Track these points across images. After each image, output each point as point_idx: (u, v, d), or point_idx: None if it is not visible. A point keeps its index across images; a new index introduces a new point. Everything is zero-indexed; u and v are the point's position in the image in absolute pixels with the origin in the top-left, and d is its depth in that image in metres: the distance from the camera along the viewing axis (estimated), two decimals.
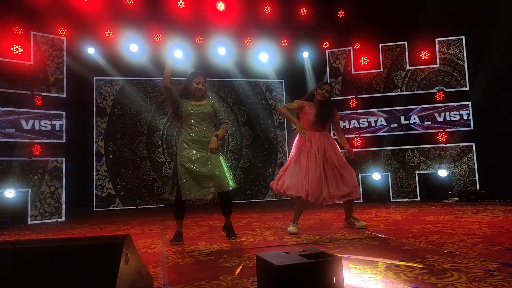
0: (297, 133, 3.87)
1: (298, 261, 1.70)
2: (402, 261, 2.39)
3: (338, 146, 3.95)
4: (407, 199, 6.74)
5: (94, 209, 7.16)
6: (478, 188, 6.48)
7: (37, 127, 5.90)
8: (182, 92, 3.61)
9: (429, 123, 6.85)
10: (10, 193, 5.46)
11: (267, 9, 7.28)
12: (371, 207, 5.85)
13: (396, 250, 2.74)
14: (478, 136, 6.61)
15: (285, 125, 8.32)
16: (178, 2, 6.94)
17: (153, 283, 2.00)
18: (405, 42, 7.01)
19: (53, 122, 6.04)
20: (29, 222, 5.61)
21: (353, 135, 7.08)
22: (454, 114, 6.76)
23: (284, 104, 3.98)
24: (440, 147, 6.77)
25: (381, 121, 7.05)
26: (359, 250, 2.82)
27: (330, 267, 1.71)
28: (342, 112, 7.08)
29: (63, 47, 6.26)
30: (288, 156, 4.05)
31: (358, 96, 7.13)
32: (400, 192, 6.83)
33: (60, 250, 1.54)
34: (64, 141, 6.14)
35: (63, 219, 5.92)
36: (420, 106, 6.89)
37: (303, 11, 7.43)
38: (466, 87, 6.76)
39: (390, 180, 6.86)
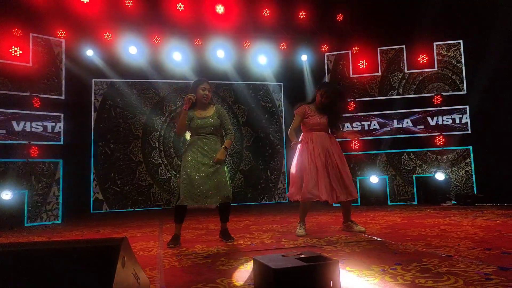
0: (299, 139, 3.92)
1: (295, 264, 1.70)
2: (399, 264, 2.39)
3: (339, 146, 3.95)
4: (405, 203, 6.74)
5: (91, 211, 7.14)
6: (475, 192, 6.50)
7: (34, 129, 5.89)
8: None
9: (426, 127, 6.86)
10: (6, 195, 5.44)
11: (266, 12, 7.30)
12: (369, 211, 5.85)
13: (393, 254, 2.74)
14: (476, 140, 6.63)
15: (283, 130, 8.33)
16: (178, 5, 6.96)
17: (150, 286, 1.99)
18: (403, 46, 7.04)
19: (51, 124, 6.03)
20: (26, 224, 5.59)
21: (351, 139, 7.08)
22: (452, 117, 6.78)
23: (291, 125, 4.00)
24: (437, 150, 6.78)
25: (378, 125, 7.06)
26: (356, 253, 2.83)
27: (327, 271, 1.71)
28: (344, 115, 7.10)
29: (62, 49, 6.25)
30: (293, 161, 4.03)
31: (357, 100, 7.14)
32: (397, 196, 6.83)
33: (57, 253, 1.54)
34: (61, 143, 6.12)
35: (60, 221, 5.90)
36: (417, 110, 6.91)
37: (302, 15, 7.46)
38: (464, 91, 6.79)
39: (387, 183, 6.86)
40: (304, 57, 7.88)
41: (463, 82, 6.80)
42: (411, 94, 6.98)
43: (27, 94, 5.84)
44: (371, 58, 7.17)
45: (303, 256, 1.83)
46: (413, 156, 6.87)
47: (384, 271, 2.26)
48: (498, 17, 6.12)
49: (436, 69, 6.91)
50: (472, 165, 6.62)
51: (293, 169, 3.91)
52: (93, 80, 7.43)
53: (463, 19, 6.55)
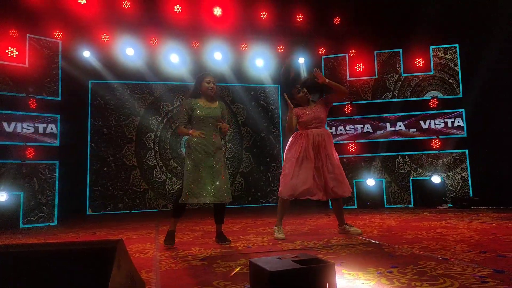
0: (291, 135, 3.89)
1: (291, 267, 1.70)
2: (396, 267, 2.39)
3: (333, 143, 3.91)
4: (401, 205, 6.76)
5: (87, 213, 7.11)
6: (471, 195, 6.52)
7: (31, 130, 5.87)
8: (193, 95, 3.63)
9: (422, 130, 6.89)
10: (2, 197, 5.41)
11: (263, 15, 7.32)
12: (365, 213, 5.86)
13: (390, 256, 2.74)
14: (471, 143, 6.66)
15: (281, 133, 8.33)
16: (175, 7, 6.96)
17: None
18: (400, 49, 7.07)
19: (47, 125, 6.00)
20: (21, 226, 5.56)
21: (348, 141, 7.11)
22: (448, 121, 6.81)
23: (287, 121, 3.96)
24: (433, 154, 6.81)
25: (375, 127, 7.08)
26: (352, 256, 2.83)
27: (323, 273, 1.71)
28: (337, 118, 7.12)
29: (58, 50, 6.23)
30: (284, 159, 3.99)
31: (353, 103, 7.16)
32: (394, 198, 6.85)
33: (52, 255, 1.53)
34: (58, 144, 6.10)
35: (55, 223, 5.87)
36: (413, 113, 6.94)
37: (299, 17, 7.48)
38: (459, 94, 6.83)
39: (384, 186, 6.88)
40: (301, 60, 7.90)
41: (459, 86, 6.84)
42: (407, 97, 7.01)
43: (23, 95, 5.82)
44: (368, 62, 7.20)
45: (299, 258, 1.83)
46: (408, 159, 6.89)
47: (381, 274, 2.26)
48: (495, 21, 6.17)
49: (432, 72, 6.95)
50: (468, 169, 6.65)
51: (284, 167, 3.88)
52: (90, 81, 7.41)
53: (460, 23, 6.59)
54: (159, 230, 4.64)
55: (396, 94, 7.05)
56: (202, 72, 3.73)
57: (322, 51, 7.65)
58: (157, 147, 7.74)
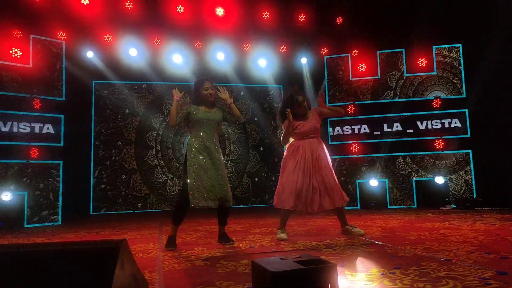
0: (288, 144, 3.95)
1: (293, 268, 1.70)
2: (398, 268, 2.39)
3: (327, 153, 3.93)
4: (404, 206, 6.74)
5: (91, 213, 7.14)
6: (474, 196, 6.50)
7: (35, 130, 5.90)
8: (194, 102, 3.64)
9: (425, 130, 6.87)
10: (6, 196, 5.44)
11: (266, 15, 7.32)
12: (368, 214, 5.86)
13: (392, 257, 2.74)
14: (475, 144, 6.63)
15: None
16: (178, 7, 6.98)
17: None
18: (403, 49, 7.05)
19: (51, 125, 6.03)
20: (26, 226, 5.59)
21: (351, 142, 7.09)
22: (451, 121, 6.78)
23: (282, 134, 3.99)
24: (435, 154, 6.78)
25: (377, 128, 7.06)
26: (355, 256, 2.83)
27: (325, 274, 1.71)
28: (340, 119, 7.10)
29: (62, 50, 6.26)
30: (281, 169, 4.01)
31: (356, 103, 7.15)
32: (397, 199, 6.83)
33: (56, 254, 1.54)
34: (61, 144, 6.13)
35: (59, 222, 5.89)
36: (416, 113, 6.92)
37: (302, 18, 7.48)
38: (463, 94, 6.80)
39: (387, 187, 6.86)
40: (303, 60, 7.89)
41: (462, 86, 6.82)
42: (409, 97, 6.99)
43: (28, 95, 5.85)
44: (371, 62, 7.18)
45: (301, 259, 1.83)
46: (409, 160, 6.87)
47: (383, 275, 2.26)
48: (496, 21, 6.15)
49: (435, 72, 6.93)
50: (472, 169, 6.62)
51: (281, 177, 3.91)
52: (93, 81, 7.44)
53: (461, 23, 6.57)
54: (162, 230, 4.65)
55: (398, 94, 7.03)
56: (199, 78, 3.73)
57: (324, 51, 7.65)
58: (159, 146, 7.73)
